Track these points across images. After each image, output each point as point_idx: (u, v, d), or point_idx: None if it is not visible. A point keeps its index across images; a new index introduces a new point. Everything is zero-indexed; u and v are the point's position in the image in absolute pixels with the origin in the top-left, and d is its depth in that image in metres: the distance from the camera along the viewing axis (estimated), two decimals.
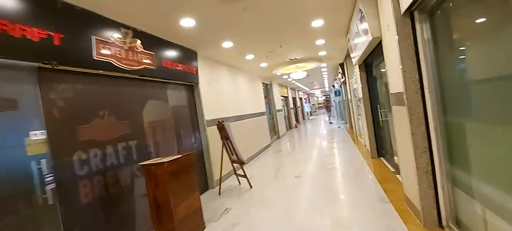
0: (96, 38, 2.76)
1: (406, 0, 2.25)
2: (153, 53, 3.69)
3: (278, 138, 11.73)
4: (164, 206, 2.78)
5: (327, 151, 7.32)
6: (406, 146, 2.69)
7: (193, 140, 4.85)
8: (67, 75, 2.61)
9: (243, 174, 4.74)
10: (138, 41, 3.35)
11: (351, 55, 5.45)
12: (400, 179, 3.80)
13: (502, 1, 1.50)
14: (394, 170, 4.41)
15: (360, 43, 4.14)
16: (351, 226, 2.81)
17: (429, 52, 2.32)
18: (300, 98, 22.79)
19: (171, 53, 4.18)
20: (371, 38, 3.26)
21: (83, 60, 2.63)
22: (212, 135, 5.12)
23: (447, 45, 2.15)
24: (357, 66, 5.67)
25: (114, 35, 3.02)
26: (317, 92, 31.99)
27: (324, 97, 33.30)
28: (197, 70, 4.95)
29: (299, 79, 10.96)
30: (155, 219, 2.85)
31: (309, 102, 30.61)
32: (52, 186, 2.25)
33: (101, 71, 2.88)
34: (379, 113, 4.89)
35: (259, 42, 5.09)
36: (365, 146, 6.66)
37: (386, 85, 4.01)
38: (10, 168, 2.00)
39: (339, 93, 14.01)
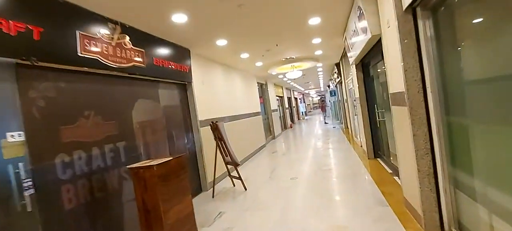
0: (81, 33, 2.59)
1: None
2: (143, 50, 3.52)
3: (273, 138, 11.63)
4: (154, 211, 2.63)
5: (323, 152, 7.24)
6: (407, 147, 2.60)
7: (186, 141, 4.69)
8: (49, 72, 2.44)
9: (237, 175, 4.61)
10: (127, 38, 3.19)
11: (348, 54, 5.37)
12: (398, 182, 3.72)
13: None
14: (391, 172, 4.33)
15: (357, 42, 4.05)
16: None
17: (431, 50, 2.23)
18: (295, 98, 22.78)
19: (163, 51, 4.02)
20: (370, 36, 3.17)
21: (67, 56, 2.47)
22: (206, 135, 4.98)
23: (451, 43, 2.06)
24: (354, 66, 5.59)
25: (101, 31, 2.85)
26: (312, 92, 32.04)
27: (319, 97, 33.34)
28: (190, 69, 4.80)
29: (294, 79, 10.89)
30: (144, 225, 2.70)
31: (304, 102, 30.63)
32: (31, 191, 2.09)
33: (86, 69, 2.71)
34: (376, 113, 4.82)
35: (254, 40, 4.96)
36: (361, 146, 6.60)
37: (383, 85, 3.93)
38: None
39: (335, 93, 13.98)
